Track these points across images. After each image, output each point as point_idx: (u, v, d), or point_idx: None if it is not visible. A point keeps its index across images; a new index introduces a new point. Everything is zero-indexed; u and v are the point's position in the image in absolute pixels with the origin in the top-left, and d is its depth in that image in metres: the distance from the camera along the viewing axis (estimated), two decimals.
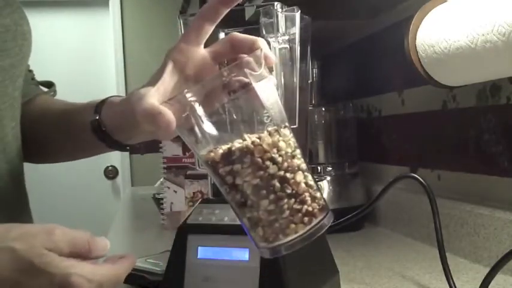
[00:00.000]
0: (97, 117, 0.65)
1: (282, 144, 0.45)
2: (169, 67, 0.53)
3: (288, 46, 0.60)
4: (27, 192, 0.74)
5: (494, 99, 0.84)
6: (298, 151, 0.47)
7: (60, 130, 0.74)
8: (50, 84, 0.84)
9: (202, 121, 0.46)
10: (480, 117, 0.87)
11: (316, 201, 0.46)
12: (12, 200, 0.69)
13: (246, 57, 0.48)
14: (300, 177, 0.45)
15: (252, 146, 0.44)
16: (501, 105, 0.82)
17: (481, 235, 0.82)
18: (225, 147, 0.45)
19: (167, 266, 0.64)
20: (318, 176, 1.16)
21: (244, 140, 0.45)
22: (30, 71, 0.81)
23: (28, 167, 0.75)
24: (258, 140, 0.45)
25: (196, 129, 0.46)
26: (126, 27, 3.24)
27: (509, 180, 0.81)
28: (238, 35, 0.54)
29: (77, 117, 0.70)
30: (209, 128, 0.46)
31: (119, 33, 3.22)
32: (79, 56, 3.22)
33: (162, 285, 0.65)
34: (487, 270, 0.63)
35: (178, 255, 0.63)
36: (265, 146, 0.45)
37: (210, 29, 0.54)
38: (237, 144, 0.45)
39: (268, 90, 0.47)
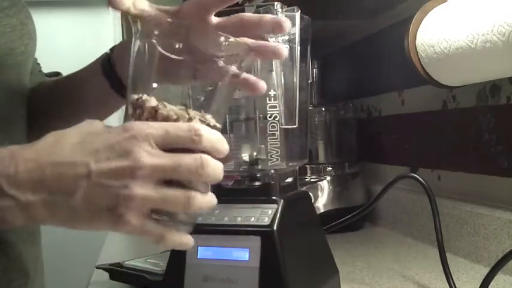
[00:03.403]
0: (108, 52, 0.68)
1: None
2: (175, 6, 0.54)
3: (288, 46, 0.60)
4: None
5: (494, 99, 0.84)
6: None
7: (68, 90, 0.75)
8: (57, 75, 0.85)
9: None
10: (480, 117, 0.87)
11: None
12: None
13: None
14: None
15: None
16: (501, 105, 0.82)
17: (481, 235, 0.82)
18: (152, 103, 0.45)
19: (167, 266, 0.64)
20: (318, 176, 1.16)
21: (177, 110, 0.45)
22: (38, 64, 0.82)
23: None
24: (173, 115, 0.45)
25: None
26: (126, 27, 3.24)
27: (509, 180, 0.81)
28: (246, 14, 0.55)
29: (88, 67, 0.73)
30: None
31: (119, 33, 3.22)
32: (79, 56, 3.21)
33: (162, 285, 0.65)
34: (487, 270, 0.63)
35: (178, 255, 0.63)
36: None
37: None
38: (159, 106, 0.45)
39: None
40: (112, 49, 0.69)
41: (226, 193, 0.66)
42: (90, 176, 0.42)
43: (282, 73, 0.61)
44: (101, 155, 0.42)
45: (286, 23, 0.53)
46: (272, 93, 0.64)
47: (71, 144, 0.44)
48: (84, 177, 0.42)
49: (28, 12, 0.71)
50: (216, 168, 0.45)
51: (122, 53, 0.68)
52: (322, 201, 1.13)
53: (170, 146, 0.43)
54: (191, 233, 0.61)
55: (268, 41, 0.60)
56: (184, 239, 0.47)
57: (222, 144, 0.45)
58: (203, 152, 0.44)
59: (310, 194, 0.77)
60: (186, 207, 0.44)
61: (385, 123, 1.23)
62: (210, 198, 0.47)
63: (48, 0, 3.14)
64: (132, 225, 0.42)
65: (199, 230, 0.63)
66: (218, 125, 0.47)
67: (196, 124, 0.44)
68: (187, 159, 0.43)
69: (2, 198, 0.43)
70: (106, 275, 0.81)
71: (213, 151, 0.44)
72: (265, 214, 0.60)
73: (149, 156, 0.42)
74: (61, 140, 0.44)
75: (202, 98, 0.64)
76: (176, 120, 0.45)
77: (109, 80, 0.68)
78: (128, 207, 0.42)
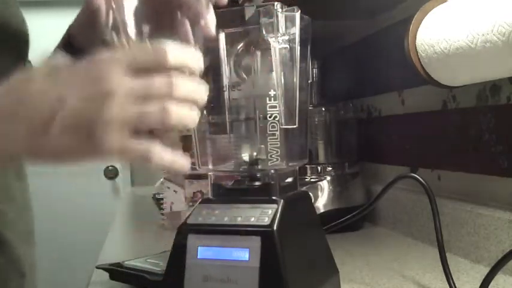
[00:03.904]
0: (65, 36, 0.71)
1: None
2: None
3: (288, 46, 0.60)
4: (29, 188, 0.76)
5: (494, 99, 0.84)
6: None
7: None
8: None
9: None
10: (480, 117, 0.87)
11: None
12: (19, 194, 0.71)
13: None
14: None
15: None
16: (501, 105, 0.82)
17: (481, 235, 0.82)
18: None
19: (167, 266, 0.64)
20: (318, 176, 1.16)
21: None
22: (29, 61, 0.82)
23: (28, 169, 0.75)
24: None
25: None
26: None
27: (509, 180, 0.81)
28: None
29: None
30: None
31: None
32: None
33: (162, 285, 0.65)
34: (487, 270, 0.63)
35: (178, 255, 0.63)
36: None
37: None
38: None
39: None
40: (68, 30, 0.71)
41: (226, 193, 0.66)
42: (64, 105, 0.43)
43: (282, 73, 0.61)
44: (73, 83, 0.44)
45: None
46: (272, 93, 0.64)
47: (42, 77, 0.45)
48: (59, 107, 0.43)
49: (20, 12, 0.72)
50: (191, 86, 0.46)
51: (79, 29, 0.69)
52: (322, 201, 1.13)
53: (139, 67, 0.44)
54: (192, 233, 0.62)
55: (267, 41, 0.60)
56: (176, 157, 0.47)
57: (192, 60, 0.47)
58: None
59: (310, 194, 0.77)
60: (163, 120, 0.44)
61: (385, 123, 1.23)
62: (193, 115, 0.47)
63: (49, 1, 3.14)
64: (116, 146, 0.43)
65: (199, 230, 0.63)
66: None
67: (162, 45, 0.45)
68: (159, 78, 0.44)
69: None
70: (106, 275, 0.81)
71: (185, 67, 0.46)
72: (265, 214, 0.60)
73: (121, 79, 0.43)
74: (32, 76, 0.46)
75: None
76: None
77: (70, 50, 0.69)
78: (107, 128, 0.43)
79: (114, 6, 0.52)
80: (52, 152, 0.45)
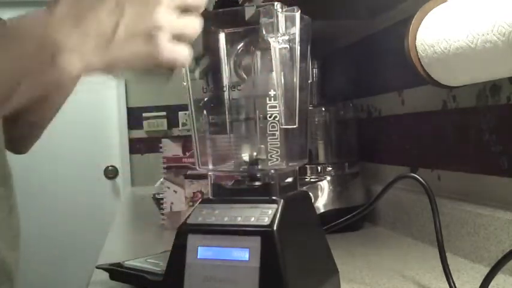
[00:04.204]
0: None
1: None
2: None
3: (288, 46, 0.61)
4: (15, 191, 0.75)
5: (494, 99, 0.84)
6: None
7: None
8: None
9: None
10: (480, 117, 0.87)
11: None
12: (3, 199, 0.71)
13: None
14: None
15: None
16: (501, 105, 0.82)
17: (481, 235, 0.82)
18: None
19: (167, 266, 0.65)
20: (317, 176, 1.16)
21: None
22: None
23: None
24: None
25: None
26: None
27: (509, 180, 0.81)
28: None
29: None
30: None
31: None
32: None
33: (162, 285, 0.65)
34: (487, 270, 0.63)
35: (178, 255, 0.63)
36: None
37: None
38: None
39: None
40: None
41: (226, 193, 0.66)
42: (124, 12, 0.47)
43: (282, 73, 0.61)
44: None
45: None
46: (272, 93, 0.64)
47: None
48: (120, 15, 0.47)
49: None
50: None
51: None
52: (322, 201, 1.13)
53: None
54: (192, 233, 0.62)
55: (267, 41, 0.60)
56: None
57: None
58: None
59: (310, 194, 0.77)
60: (196, 31, 0.52)
61: (385, 123, 1.23)
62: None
63: (49, 1, 3.14)
64: (168, 48, 0.49)
65: (199, 230, 0.63)
66: None
67: None
68: None
69: (59, 49, 0.46)
70: (106, 275, 0.81)
71: None
72: (265, 214, 0.60)
73: None
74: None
75: (206, 99, 0.65)
76: None
77: None
78: (160, 33, 0.48)
79: None
80: (119, 58, 0.48)
